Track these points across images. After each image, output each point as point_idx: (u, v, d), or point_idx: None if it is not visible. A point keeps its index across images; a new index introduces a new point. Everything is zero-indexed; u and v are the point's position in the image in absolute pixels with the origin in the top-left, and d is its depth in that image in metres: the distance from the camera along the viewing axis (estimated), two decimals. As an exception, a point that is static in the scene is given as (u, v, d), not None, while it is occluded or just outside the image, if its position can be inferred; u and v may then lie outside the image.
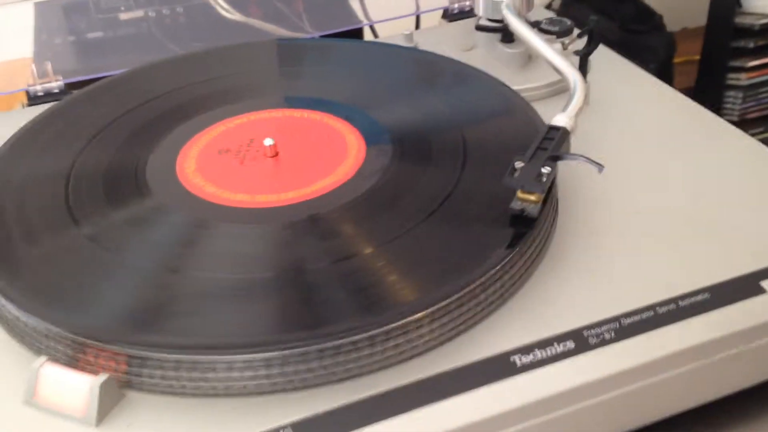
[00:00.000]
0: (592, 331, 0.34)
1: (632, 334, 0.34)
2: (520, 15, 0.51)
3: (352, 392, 0.32)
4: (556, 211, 0.40)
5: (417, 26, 0.69)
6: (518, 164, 0.37)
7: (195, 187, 0.41)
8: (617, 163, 0.43)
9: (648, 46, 1.09)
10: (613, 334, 0.34)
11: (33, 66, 0.58)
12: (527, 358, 0.33)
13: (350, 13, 0.70)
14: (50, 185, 0.41)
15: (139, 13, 0.67)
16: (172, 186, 0.41)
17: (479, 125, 0.44)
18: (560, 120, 0.39)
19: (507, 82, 0.48)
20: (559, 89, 0.51)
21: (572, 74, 0.43)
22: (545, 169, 0.36)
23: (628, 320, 0.35)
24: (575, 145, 0.39)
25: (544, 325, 0.34)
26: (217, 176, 0.41)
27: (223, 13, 0.66)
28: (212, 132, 0.45)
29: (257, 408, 0.32)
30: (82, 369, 0.32)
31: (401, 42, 0.57)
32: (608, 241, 0.39)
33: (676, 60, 1.15)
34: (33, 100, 0.57)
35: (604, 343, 0.34)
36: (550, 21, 0.51)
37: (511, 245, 0.36)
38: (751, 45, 0.91)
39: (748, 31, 0.90)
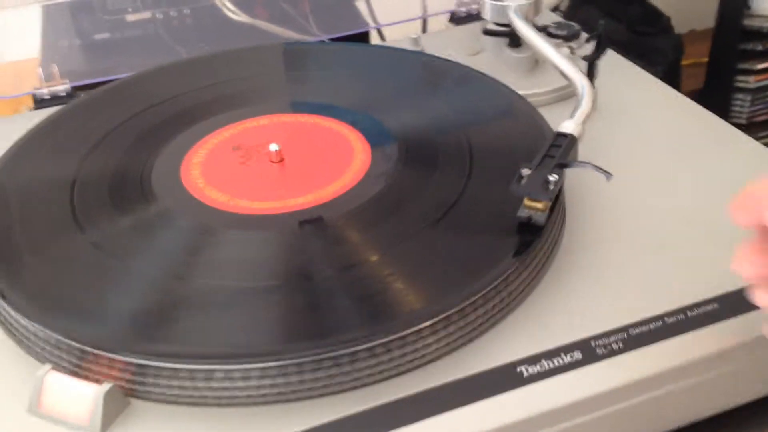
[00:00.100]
0: (600, 341, 0.34)
1: (640, 344, 0.34)
2: (528, 19, 0.51)
3: (357, 402, 0.32)
4: (564, 218, 0.40)
5: (424, 29, 0.69)
6: (525, 172, 0.36)
7: (200, 193, 0.40)
8: (625, 169, 0.43)
9: (656, 48, 1.08)
10: (621, 345, 0.34)
11: (39, 69, 0.58)
12: (534, 369, 0.33)
13: (357, 16, 0.70)
14: (55, 191, 0.41)
15: (146, 15, 0.67)
16: (177, 192, 0.41)
17: (486, 131, 0.44)
18: (568, 127, 0.39)
19: (514, 87, 0.47)
20: (567, 94, 0.50)
21: (580, 80, 0.43)
22: (552, 177, 0.36)
23: (637, 330, 0.34)
24: (583, 149, 0.39)
25: (551, 335, 0.34)
26: (222, 182, 0.41)
27: (230, 14, 0.66)
28: (217, 137, 0.45)
29: (262, 418, 0.32)
30: (87, 377, 0.32)
31: (408, 46, 0.56)
32: (616, 249, 0.39)
33: (684, 62, 1.14)
34: (39, 103, 0.57)
35: (612, 353, 0.33)
36: (558, 25, 0.51)
37: (518, 253, 0.35)
38: (760, 47, 0.90)
39: (756, 34, 0.89)
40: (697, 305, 0.35)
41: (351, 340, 0.32)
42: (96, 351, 0.32)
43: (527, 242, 0.36)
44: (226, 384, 0.32)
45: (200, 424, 0.32)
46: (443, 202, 0.39)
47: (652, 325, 0.34)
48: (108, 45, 0.66)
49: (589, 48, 0.50)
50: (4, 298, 0.35)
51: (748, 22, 0.92)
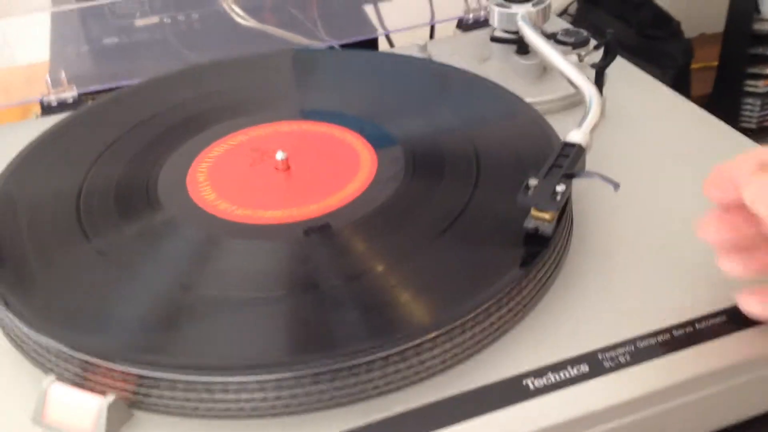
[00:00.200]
0: (607, 354, 0.34)
1: (648, 357, 0.33)
2: (536, 26, 0.51)
3: (362, 415, 0.32)
4: (571, 229, 0.39)
5: (431, 35, 0.69)
6: (532, 182, 0.36)
7: (206, 202, 0.40)
8: (633, 178, 0.43)
9: (665, 53, 1.08)
10: (628, 358, 0.33)
11: (47, 76, 0.58)
12: (540, 382, 0.33)
13: (366, 22, 0.70)
14: (61, 200, 0.41)
15: (154, 20, 0.67)
16: (182, 202, 0.40)
17: (493, 140, 0.44)
18: (575, 136, 0.39)
19: (522, 94, 0.47)
20: (575, 102, 0.50)
21: (588, 89, 0.42)
22: (560, 188, 0.36)
23: (644, 343, 0.34)
24: (590, 157, 0.39)
25: (558, 347, 0.34)
26: (228, 190, 0.41)
27: (238, 19, 0.66)
28: (223, 145, 0.45)
29: (267, 430, 0.32)
30: (91, 388, 0.32)
31: (415, 53, 0.56)
32: (623, 260, 0.38)
33: (694, 66, 1.14)
34: (47, 110, 0.57)
35: (619, 366, 0.33)
36: (566, 32, 0.51)
37: (525, 264, 0.35)
38: (770, 52, 0.90)
39: (766, 38, 0.89)
40: (705, 318, 0.35)
41: (356, 352, 0.32)
42: (99, 362, 0.32)
43: (534, 253, 0.36)
44: (231, 396, 0.32)
45: (204, 436, 0.32)
46: (450, 212, 0.39)
47: (659, 338, 0.34)
48: (116, 50, 0.66)
49: (597, 55, 0.49)
50: (8, 306, 0.35)
51: (757, 26, 0.91)
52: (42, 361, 0.34)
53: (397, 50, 0.63)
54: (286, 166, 0.43)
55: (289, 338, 0.34)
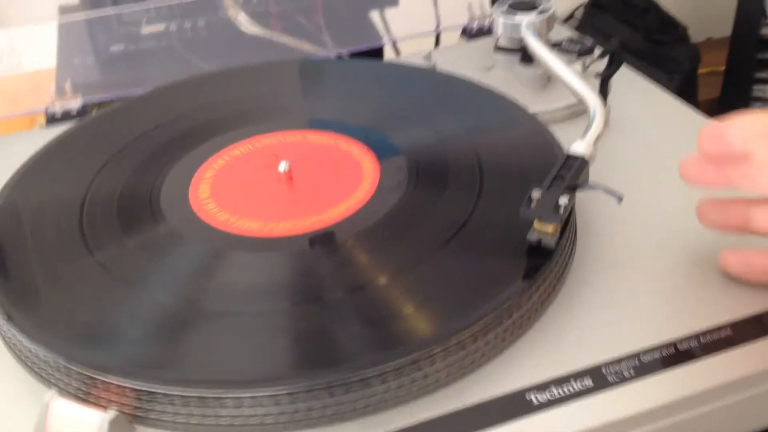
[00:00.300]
0: (611, 368, 0.33)
1: (652, 371, 0.33)
2: (541, 35, 0.50)
3: (364, 429, 0.32)
4: (574, 241, 0.39)
5: (437, 43, 0.69)
6: (535, 194, 0.36)
7: (208, 214, 0.40)
8: (637, 190, 0.43)
9: (672, 57, 1.07)
10: (632, 372, 0.33)
11: (52, 86, 0.58)
12: (544, 396, 0.32)
13: (371, 30, 0.70)
14: (64, 211, 0.41)
15: (160, 27, 0.67)
16: (184, 214, 0.40)
17: (496, 151, 0.43)
18: (579, 148, 0.38)
19: (526, 104, 0.47)
20: (579, 111, 0.50)
21: (592, 100, 0.42)
22: (563, 200, 0.36)
23: (648, 357, 0.34)
24: (594, 167, 0.39)
25: (561, 360, 0.34)
26: (230, 202, 0.41)
27: (244, 27, 0.66)
28: (226, 155, 0.45)
29: (268, 445, 0.31)
30: (92, 403, 0.32)
31: (420, 62, 0.56)
32: (627, 273, 0.38)
33: (701, 71, 1.13)
34: (52, 119, 0.57)
35: (623, 380, 0.33)
36: (571, 40, 0.51)
37: (527, 277, 0.35)
38: (777, 57, 0.90)
39: (774, 44, 0.89)
40: (710, 331, 0.35)
41: (358, 366, 0.31)
42: (100, 376, 0.32)
43: (537, 266, 0.35)
44: (233, 411, 0.32)
45: (206, 451, 0.31)
46: (452, 223, 0.38)
47: (664, 352, 0.34)
48: (122, 57, 0.66)
49: (603, 63, 0.49)
50: (11, 320, 0.35)
51: (765, 31, 0.91)
52: (44, 375, 0.34)
53: (401, 59, 0.63)
54: (289, 176, 0.43)
55: (292, 353, 0.34)
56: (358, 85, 0.52)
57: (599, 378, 0.33)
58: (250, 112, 0.49)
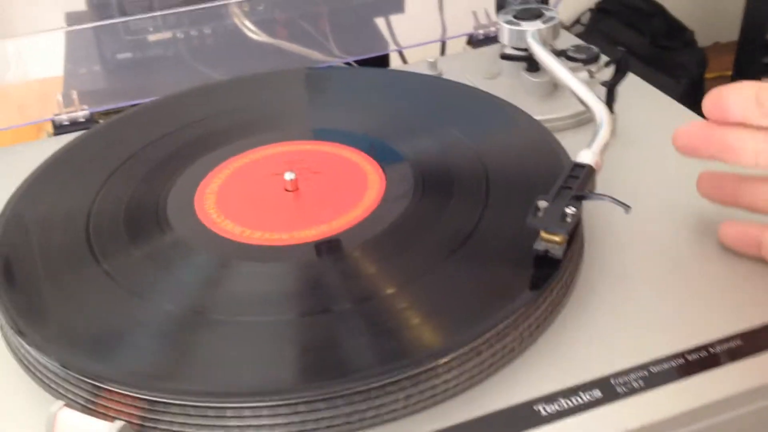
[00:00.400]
0: (620, 379, 0.33)
1: (662, 382, 0.33)
2: (546, 43, 0.50)
3: (371, 442, 0.31)
4: (582, 250, 0.39)
5: (442, 51, 0.69)
6: (542, 204, 0.36)
7: (214, 224, 0.40)
8: (644, 199, 0.42)
9: (679, 62, 1.07)
10: (641, 383, 0.33)
11: (59, 95, 0.58)
12: (552, 408, 0.32)
13: (377, 37, 0.70)
14: (71, 222, 0.41)
15: (167, 35, 0.67)
16: (192, 224, 0.40)
17: (502, 160, 0.43)
18: (585, 157, 0.38)
19: (532, 112, 0.47)
20: (586, 119, 0.50)
21: (598, 108, 0.42)
22: (570, 210, 0.35)
23: (657, 368, 0.33)
24: (600, 176, 0.38)
25: (569, 372, 0.33)
26: (236, 212, 0.41)
27: (250, 34, 0.67)
28: (232, 165, 0.45)
29: (275, 457, 0.31)
30: (99, 414, 0.32)
31: (426, 69, 0.56)
32: (636, 283, 0.38)
33: (708, 75, 1.13)
34: (59, 129, 0.57)
35: (632, 392, 0.33)
36: (577, 48, 0.51)
37: (535, 287, 0.35)
38: (785, 62, 0.89)
39: (781, 49, 0.88)
40: (720, 342, 0.34)
41: (365, 377, 0.31)
42: (107, 387, 0.32)
43: (544, 276, 0.35)
44: (240, 423, 0.31)
45: (213, 464, 0.31)
46: (458, 234, 0.38)
47: (673, 363, 0.34)
48: (129, 65, 0.66)
49: (609, 71, 0.49)
50: (19, 331, 0.35)
51: (772, 36, 0.91)
52: (52, 386, 0.34)
53: (407, 67, 0.63)
54: (295, 186, 0.43)
55: (299, 364, 0.34)
56: (364, 94, 0.52)
57: (608, 389, 0.33)
58: (257, 122, 0.49)
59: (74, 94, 0.58)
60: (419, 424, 0.32)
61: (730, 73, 1.08)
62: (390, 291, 0.36)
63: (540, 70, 0.51)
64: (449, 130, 0.46)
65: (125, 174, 0.45)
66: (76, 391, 0.33)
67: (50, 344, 0.34)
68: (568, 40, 0.58)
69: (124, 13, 0.65)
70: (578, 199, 0.36)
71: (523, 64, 0.52)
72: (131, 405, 0.32)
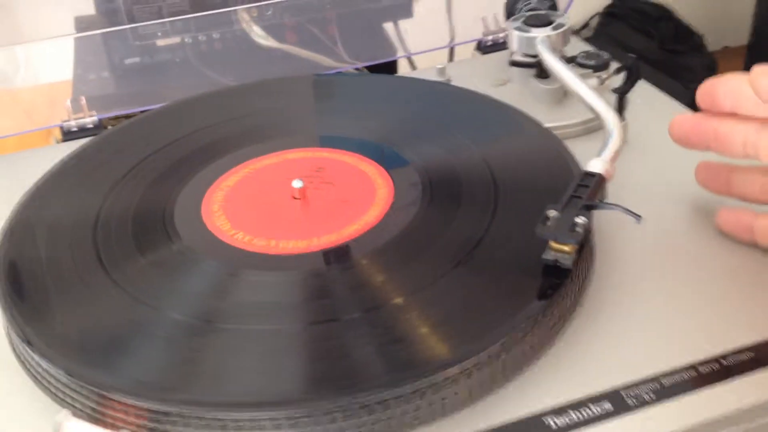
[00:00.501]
0: (630, 391, 0.33)
1: (673, 395, 0.32)
2: (556, 49, 0.50)
3: (379, 454, 0.31)
4: (593, 260, 0.39)
5: (451, 57, 0.69)
6: (551, 213, 0.36)
7: (221, 232, 0.40)
8: (656, 208, 0.42)
9: (688, 67, 1.07)
10: (652, 395, 0.32)
11: (68, 101, 0.58)
12: (562, 420, 0.32)
13: (386, 43, 0.70)
14: (78, 230, 0.41)
15: (175, 40, 0.67)
16: (199, 232, 0.40)
17: (512, 167, 0.43)
18: (596, 165, 0.38)
19: (541, 119, 0.46)
20: (596, 126, 0.49)
21: (609, 116, 0.42)
22: (579, 219, 0.35)
23: (669, 380, 0.33)
24: (611, 184, 0.38)
25: (579, 384, 0.33)
26: (244, 220, 0.41)
27: (259, 40, 0.66)
28: (239, 173, 0.45)
29: (282, 469, 0.31)
30: (105, 424, 0.32)
31: (434, 76, 0.56)
32: (647, 293, 0.37)
33: (718, 81, 1.11)
34: (67, 135, 0.57)
35: (643, 404, 0.32)
36: (587, 55, 0.50)
37: (544, 298, 0.35)
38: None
39: (793, 54, 0.87)
40: (732, 354, 0.34)
41: (374, 388, 0.31)
42: (112, 396, 0.32)
43: (554, 285, 0.35)
44: (246, 433, 0.31)
45: (220, 475, 0.31)
46: (467, 242, 0.38)
47: (685, 375, 0.33)
48: (137, 71, 0.66)
49: (619, 78, 0.48)
50: (25, 338, 0.35)
51: (783, 41, 0.90)
52: (58, 394, 0.34)
53: (416, 73, 0.63)
54: (303, 194, 0.42)
55: (306, 374, 0.33)
56: (372, 100, 0.52)
57: (619, 402, 0.32)
58: (265, 129, 0.49)
59: (83, 100, 0.58)
60: (427, 436, 0.32)
61: (740, 77, 1.07)
62: (398, 302, 0.35)
63: (549, 77, 0.51)
64: (458, 138, 0.46)
65: (133, 181, 0.45)
66: (83, 400, 0.33)
67: (57, 353, 0.34)
68: (577, 46, 0.57)
69: (132, 19, 0.65)
70: (588, 209, 0.36)
71: (533, 71, 0.52)
72: (138, 415, 0.32)
